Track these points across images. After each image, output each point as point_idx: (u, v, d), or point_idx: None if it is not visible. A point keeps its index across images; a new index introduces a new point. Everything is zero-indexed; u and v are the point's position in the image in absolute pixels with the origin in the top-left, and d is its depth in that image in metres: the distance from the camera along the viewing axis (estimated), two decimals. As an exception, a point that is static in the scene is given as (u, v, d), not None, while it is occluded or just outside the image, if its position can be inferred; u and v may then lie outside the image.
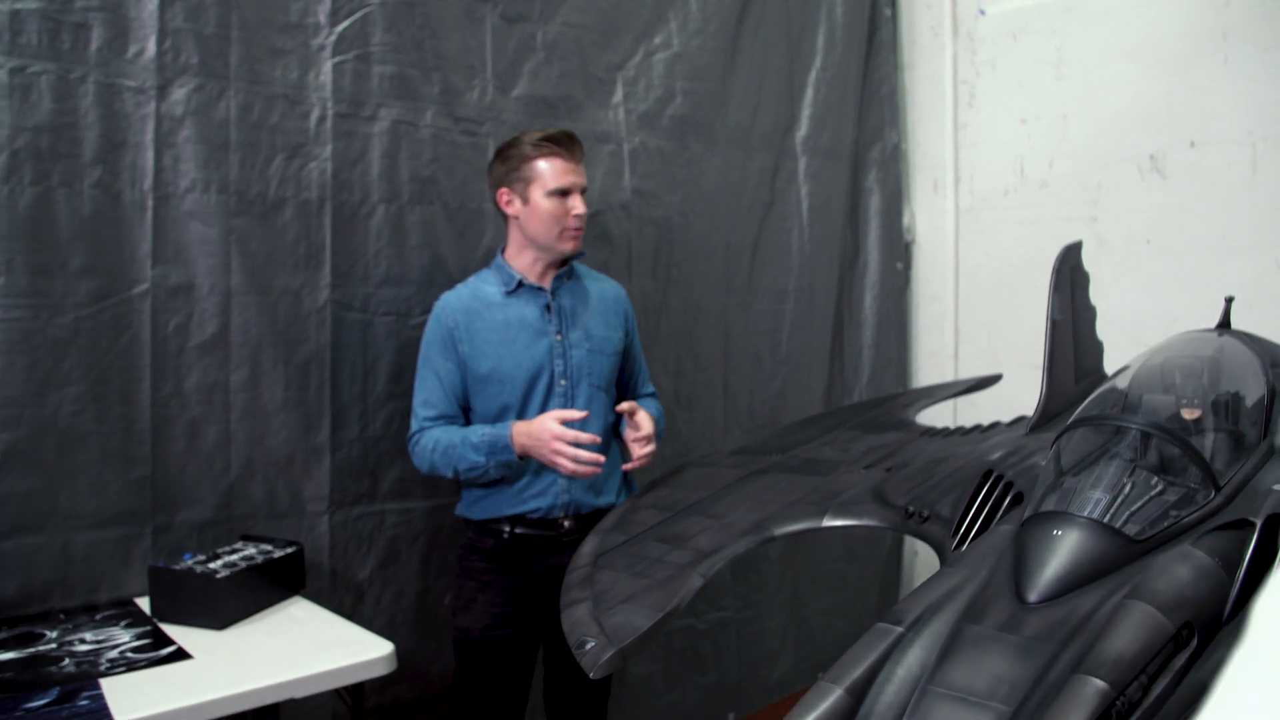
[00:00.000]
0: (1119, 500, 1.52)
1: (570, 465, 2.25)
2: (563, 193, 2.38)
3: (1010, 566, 1.49)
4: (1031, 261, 3.51)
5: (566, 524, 2.42)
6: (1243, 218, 3.04)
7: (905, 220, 3.81)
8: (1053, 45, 3.44)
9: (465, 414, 2.45)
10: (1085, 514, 1.49)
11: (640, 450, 2.40)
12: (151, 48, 2.26)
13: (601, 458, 2.30)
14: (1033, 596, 1.40)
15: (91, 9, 2.19)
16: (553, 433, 2.24)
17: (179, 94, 2.30)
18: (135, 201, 2.26)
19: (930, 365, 3.84)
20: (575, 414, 2.28)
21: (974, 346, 3.71)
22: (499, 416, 2.40)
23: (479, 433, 2.33)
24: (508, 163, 2.42)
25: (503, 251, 2.50)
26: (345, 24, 2.50)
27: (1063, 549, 1.45)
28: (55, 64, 2.14)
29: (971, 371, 3.61)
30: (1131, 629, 1.28)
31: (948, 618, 1.39)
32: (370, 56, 2.54)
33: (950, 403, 3.59)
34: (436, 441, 2.36)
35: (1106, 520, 1.47)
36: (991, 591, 1.44)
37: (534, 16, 2.82)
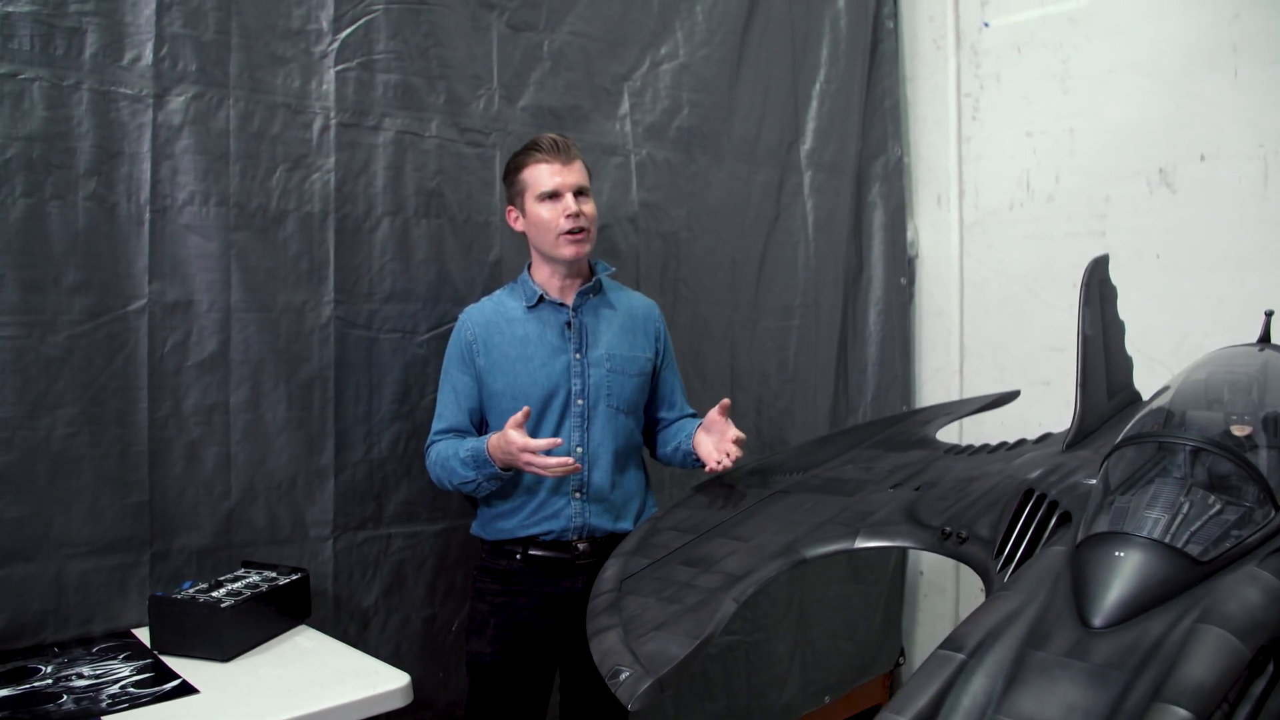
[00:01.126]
0: (1179, 520, 1.46)
1: (549, 472, 2.17)
2: (553, 195, 2.33)
3: (1069, 589, 1.43)
4: (1038, 277, 3.48)
5: (581, 547, 2.35)
6: (1254, 232, 3.01)
7: (909, 235, 3.76)
8: (1058, 58, 3.40)
9: (482, 428, 2.38)
10: (1145, 534, 1.43)
11: (730, 449, 2.28)
12: (148, 54, 2.17)
13: (573, 462, 2.19)
14: (1098, 621, 1.34)
15: (86, 13, 2.10)
16: (518, 445, 2.14)
17: (177, 102, 2.21)
18: (131, 214, 2.17)
19: (935, 382, 3.79)
20: (520, 416, 2.17)
21: (979, 363, 3.66)
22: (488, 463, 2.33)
23: (466, 446, 2.27)
24: (507, 179, 2.42)
25: (529, 268, 2.45)
26: (348, 31, 2.43)
27: (1126, 571, 1.39)
28: (48, 70, 2.06)
29: (977, 388, 3.56)
30: (1209, 655, 1.22)
31: (1010, 644, 1.33)
32: (374, 64, 2.47)
33: (957, 423, 3.54)
34: (438, 454, 2.31)
35: (1168, 540, 1.41)
36: (1053, 616, 1.38)
37: (540, 25, 2.76)
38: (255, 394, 2.33)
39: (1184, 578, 1.38)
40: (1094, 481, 1.66)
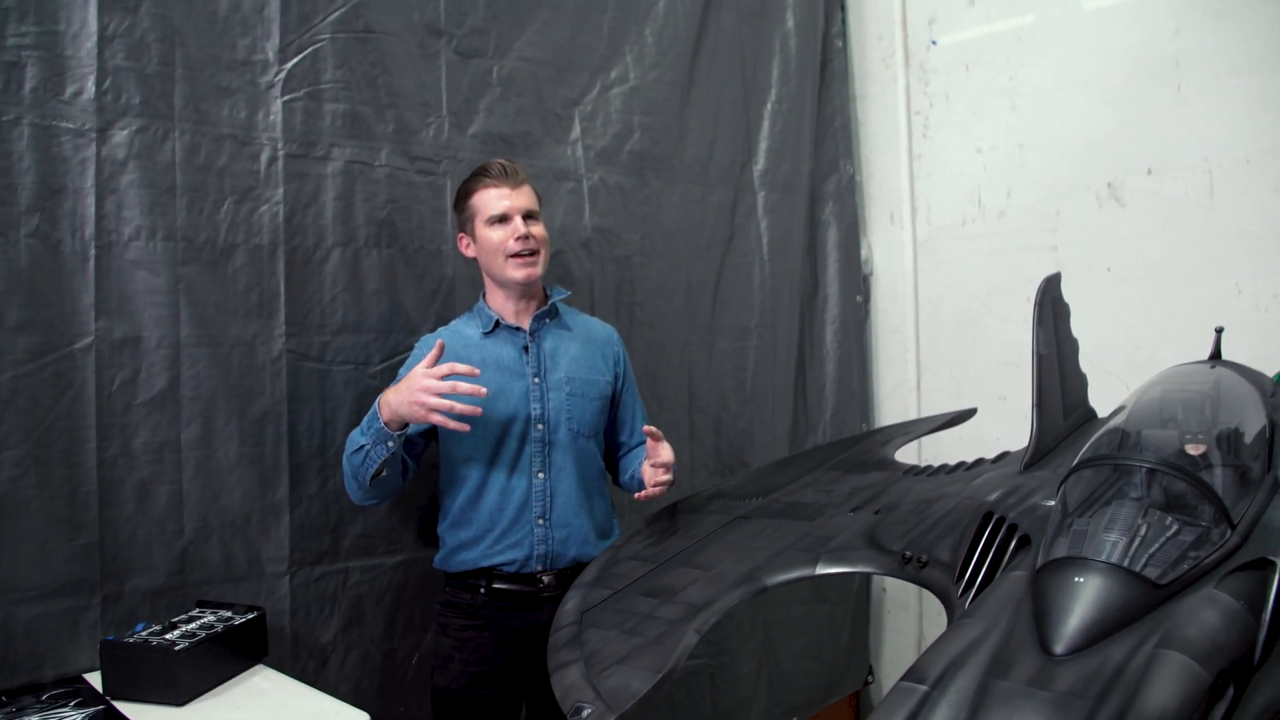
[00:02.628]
0: (1137, 543, 1.47)
1: (440, 401, 2.05)
2: (502, 219, 2.33)
3: (1030, 616, 1.43)
4: (992, 292, 3.51)
5: (545, 580, 2.33)
6: (1202, 244, 3.04)
7: (863, 252, 3.77)
8: (1005, 75, 3.44)
9: (423, 443, 2.37)
10: (1104, 558, 1.43)
11: (659, 477, 2.28)
12: (90, 87, 2.14)
13: (482, 390, 2.12)
14: (1060, 648, 1.34)
15: (25, 46, 2.07)
16: (421, 371, 2.08)
17: (121, 136, 2.18)
18: (76, 251, 2.13)
19: (893, 399, 3.80)
20: (435, 352, 2.11)
21: (936, 379, 3.68)
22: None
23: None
24: (457, 206, 2.42)
25: (483, 295, 2.44)
26: (295, 61, 2.40)
27: (1086, 597, 1.39)
28: (-13, 106, 2.02)
29: (935, 405, 3.58)
30: (1171, 682, 1.23)
31: (973, 673, 1.33)
32: (321, 94, 2.44)
33: (915, 441, 3.56)
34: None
35: (1127, 564, 1.42)
36: (1015, 644, 1.38)
37: (489, 52, 2.74)
38: (207, 430, 2.29)
39: (1144, 601, 1.39)
40: (1052, 503, 1.67)
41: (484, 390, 2.13)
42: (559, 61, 2.91)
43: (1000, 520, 1.76)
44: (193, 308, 2.27)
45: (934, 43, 3.61)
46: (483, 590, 2.35)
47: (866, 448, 2.68)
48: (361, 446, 2.18)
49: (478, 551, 2.34)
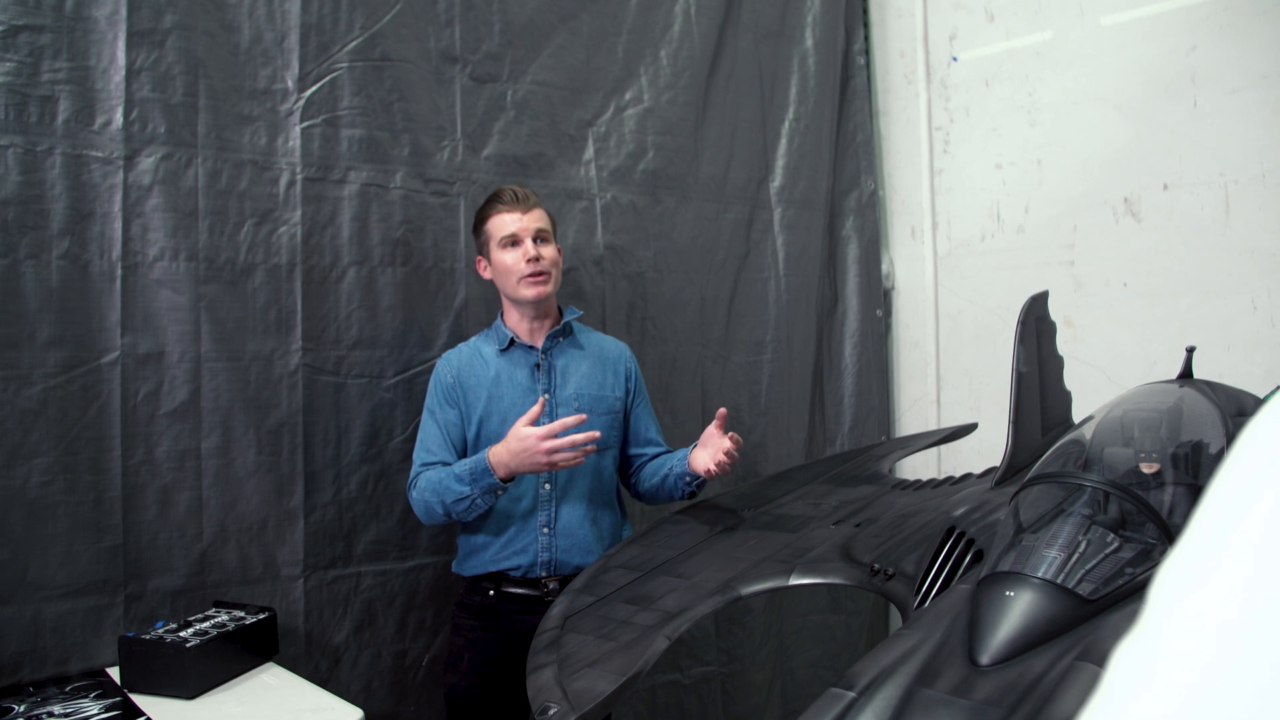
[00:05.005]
0: (1073, 559, 1.51)
1: (571, 455, 2.24)
2: (513, 241, 2.44)
3: (965, 628, 1.48)
4: (1011, 306, 3.48)
5: (551, 585, 2.43)
6: (1218, 259, 3.04)
7: (884, 267, 3.81)
8: (1024, 91, 3.46)
9: None
10: (1039, 574, 1.48)
11: (724, 454, 2.36)
12: (118, 118, 2.28)
13: (597, 434, 2.29)
14: (984, 659, 1.40)
15: (59, 81, 2.21)
16: (536, 435, 2.23)
17: (146, 163, 2.32)
18: (104, 271, 2.27)
19: (913, 413, 3.83)
20: (536, 410, 2.28)
21: (956, 393, 3.70)
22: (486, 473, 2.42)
23: (462, 464, 2.35)
24: (475, 232, 2.54)
25: (501, 315, 2.56)
26: (313, 89, 2.53)
27: (1015, 611, 1.44)
28: (22, 136, 2.17)
29: (954, 418, 3.60)
30: (1080, 692, 1.27)
31: (901, 681, 1.38)
32: (339, 120, 2.57)
33: (935, 453, 3.59)
34: (429, 480, 2.38)
35: (1060, 580, 1.47)
36: (945, 654, 1.44)
37: (503, 76, 2.85)
38: (226, 440, 2.42)
39: (1072, 616, 1.43)
40: (1012, 518, 1.72)
41: (598, 433, 2.29)
42: (573, 84, 3.00)
43: (961, 535, 1.81)
44: (213, 324, 2.40)
45: (955, 59, 3.65)
46: (492, 593, 2.46)
47: (861, 462, 2.73)
48: (467, 497, 2.32)
49: (487, 556, 2.46)
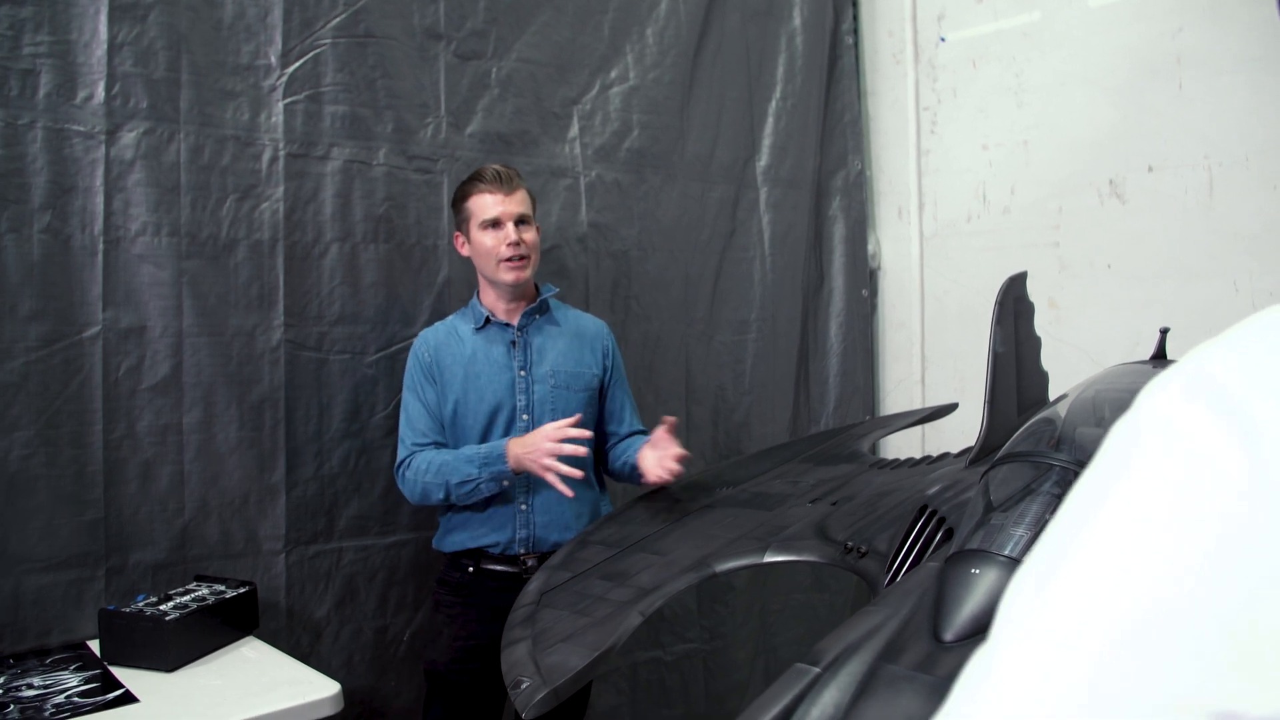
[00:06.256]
0: (1040, 537, 1.53)
1: (553, 463, 2.26)
2: (494, 224, 2.44)
3: (931, 605, 1.50)
4: (996, 288, 3.50)
5: (529, 562, 2.44)
6: (1201, 242, 3.05)
7: (870, 247, 3.81)
8: (1012, 72, 3.45)
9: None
10: (1005, 552, 1.50)
11: (671, 466, 2.37)
12: (100, 93, 2.28)
13: (578, 473, 2.32)
14: (948, 635, 1.41)
15: (40, 55, 2.21)
16: (546, 434, 2.28)
17: (128, 138, 2.32)
18: (85, 245, 2.28)
19: (898, 393, 3.85)
20: (569, 426, 2.30)
21: (941, 373, 3.71)
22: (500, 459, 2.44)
23: (474, 448, 2.39)
24: (455, 207, 2.54)
25: (477, 293, 2.57)
26: (296, 65, 2.53)
27: (979, 588, 1.46)
28: (3, 110, 2.18)
29: (938, 398, 3.61)
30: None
31: (866, 657, 1.40)
32: (322, 97, 2.57)
33: (918, 433, 3.60)
34: (429, 462, 2.40)
35: (1023, 558, 1.48)
36: (911, 631, 1.45)
37: (488, 54, 2.84)
38: (208, 415, 2.43)
39: (1036, 593, 1.45)
40: (982, 497, 1.73)
41: (583, 450, 2.30)
42: (558, 62, 3.00)
43: (933, 513, 1.83)
44: (195, 299, 2.41)
45: (943, 39, 3.64)
46: (471, 569, 2.48)
47: (842, 440, 2.74)
48: (473, 479, 2.36)
49: (467, 534, 2.47)
